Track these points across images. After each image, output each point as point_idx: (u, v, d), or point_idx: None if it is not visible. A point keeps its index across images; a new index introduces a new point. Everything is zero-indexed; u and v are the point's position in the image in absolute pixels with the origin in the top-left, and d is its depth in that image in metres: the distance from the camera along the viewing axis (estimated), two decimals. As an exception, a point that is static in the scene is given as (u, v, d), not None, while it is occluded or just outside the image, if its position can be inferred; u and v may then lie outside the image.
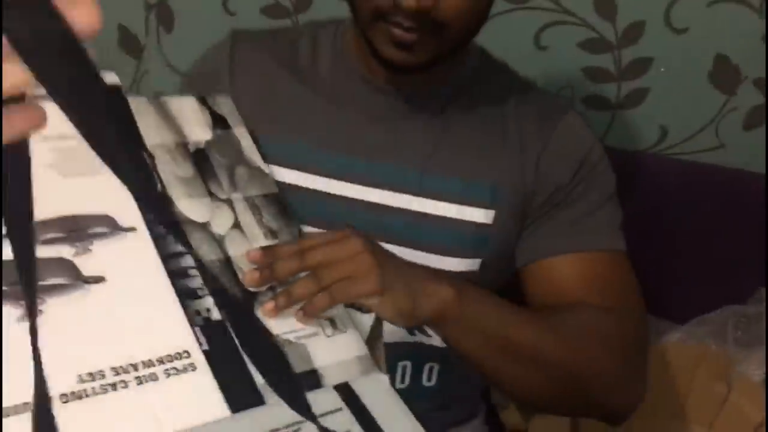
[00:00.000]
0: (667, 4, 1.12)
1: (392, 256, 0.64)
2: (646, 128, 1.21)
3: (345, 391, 0.57)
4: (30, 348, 0.35)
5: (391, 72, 0.74)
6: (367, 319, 0.63)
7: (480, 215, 0.76)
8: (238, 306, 0.57)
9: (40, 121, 0.30)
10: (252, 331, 0.56)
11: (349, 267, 0.59)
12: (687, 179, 1.19)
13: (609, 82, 1.19)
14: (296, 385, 0.54)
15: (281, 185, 0.72)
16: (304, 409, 0.53)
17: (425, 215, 0.76)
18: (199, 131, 0.68)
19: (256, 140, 0.72)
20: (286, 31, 0.89)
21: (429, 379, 0.81)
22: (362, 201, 0.77)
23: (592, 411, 0.78)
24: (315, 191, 0.77)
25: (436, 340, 0.78)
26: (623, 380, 0.73)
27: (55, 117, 0.29)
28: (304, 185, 0.77)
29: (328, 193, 0.77)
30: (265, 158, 0.71)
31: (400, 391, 0.60)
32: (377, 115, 0.78)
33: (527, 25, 1.16)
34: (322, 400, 0.54)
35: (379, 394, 0.57)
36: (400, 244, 0.74)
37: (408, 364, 0.80)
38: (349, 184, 0.77)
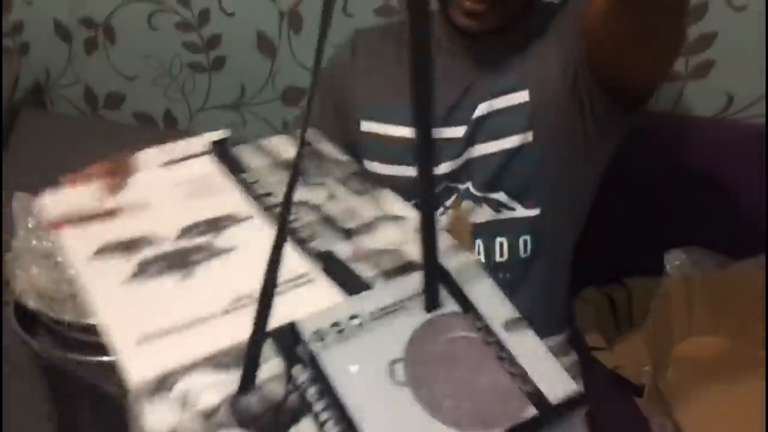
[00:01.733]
0: (727, -16, 1.28)
1: None
2: (713, 96, 1.36)
3: None
4: None
5: (465, 38, 0.97)
6: None
7: (518, 98, 1.00)
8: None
9: None
10: None
11: None
12: (753, 140, 1.33)
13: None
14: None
15: (397, 139, 0.97)
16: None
17: (483, 117, 1.01)
18: (291, 152, 0.87)
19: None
20: (394, 22, 1.13)
21: (525, 250, 1.03)
22: (448, 138, 1.02)
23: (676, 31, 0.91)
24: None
25: (521, 212, 1.00)
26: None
27: None
28: (407, 136, 1.02)
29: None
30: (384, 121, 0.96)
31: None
32: (455, 74, 1.02)
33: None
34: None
35: (467, 269, 0.66)
36: (472, 145, 1.01)
37: (504, 239, 1.01)
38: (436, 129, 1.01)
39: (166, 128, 1.79)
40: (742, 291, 1.12)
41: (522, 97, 1.00)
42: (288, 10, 1.55)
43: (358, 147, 1.09)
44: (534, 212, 1.04)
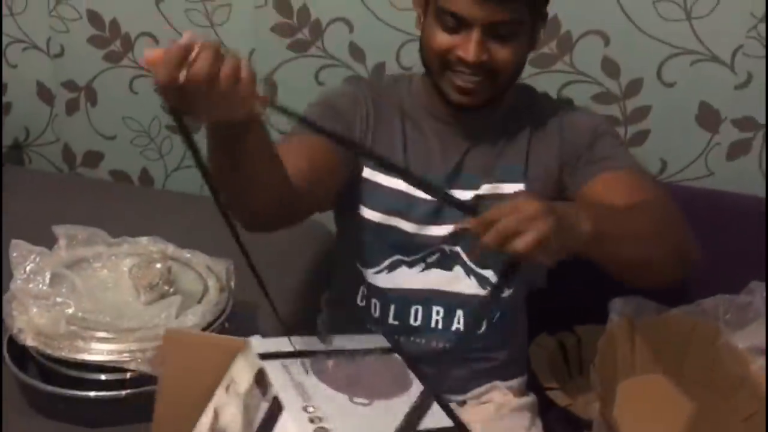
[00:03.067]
0: (658, 64, 1.45)
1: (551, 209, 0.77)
2: (649, 161, 1.52)
3: None
4: None
5: (455, 111, 1.06)
6: None
7: (514, 188, 1.08)
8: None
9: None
10: None
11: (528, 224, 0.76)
12: (685, 201, 1.48)
13: (617, 126, 1.51)
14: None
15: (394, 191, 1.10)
16: None
17: (481, 198, 1.09)
18: None
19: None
20: (401, 76, 1.18)
21: (493, 318, 1.13)
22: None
23: (681, 257, 0.99)
24: (409, 194, 1.09)
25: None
26: (687, 230, 1.00)
27: None
28: (402, 189, 1.09)
29: (418, 197, 1.09)
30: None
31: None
32: (452, 139, 1.10)
33: (551, 84, 1.50)
34: None
35: None
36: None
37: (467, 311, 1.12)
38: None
39: (141, 186, 1.87)
40: (678, 333, 1.24)
41: (518, 188, 1.09)
42: (263, 77, 1.67)
43: (356, 192, 1.11)
44: (508, 292, 1.15)
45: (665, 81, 1.46)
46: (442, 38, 0.99)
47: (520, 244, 0.74)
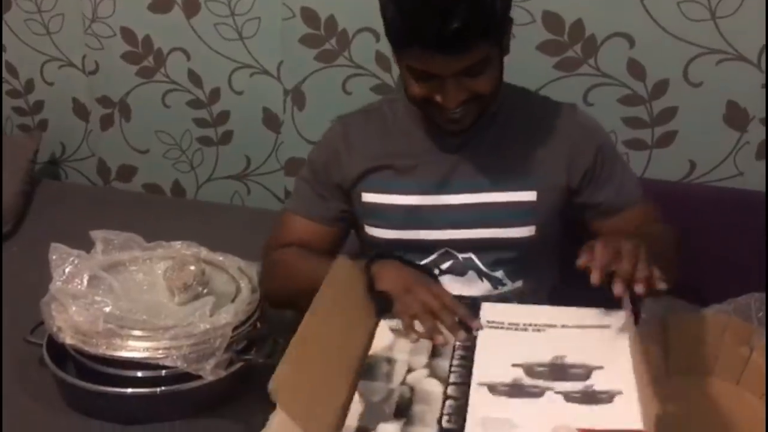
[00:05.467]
0: (684, 64, 1.45)
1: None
2: (678, 163, 1.52)
3: None
4: None
5: (447, 132, 1.10)
6: None
7: (527, 196, 1.12)
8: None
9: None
10: None
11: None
12: (715, 202, 1.48)
13: (644, 128, 1.52)
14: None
15: (395, 207, 1.15)
16: None
17: (489, 204, 1.12)
18: None
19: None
20: (373, 105, 1.24)
21: None
22: (446, 205, 1.13)
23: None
24: (411, 206, 1.14)
25: (509, 287, 1.15)
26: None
27: None
28: (404, 203, 1.14)
29: (421, 206, 1.14)
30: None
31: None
32: (444, 152, 1.14)
33: (577, 87, 1.51)
34: None
35: None
36: (477, 227, 1.12)
37: None
38: (433, 197, 1.13)
39: (174, 197, 1.91)
40: (710, 332, 1.23)
41: (530, 196, 1.13)
42: (292, 87, 1.70)
43: (359, 216, 1.20)
44: (518, 285, 1.16)
45: (692, 81, 1.46)
46: (418, 89, 1.03)
47: (639, 289, 0.88)
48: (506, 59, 1.07)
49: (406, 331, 0.95)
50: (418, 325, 0.95)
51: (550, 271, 1.24)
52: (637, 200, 1.18)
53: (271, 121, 1.76)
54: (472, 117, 1.06)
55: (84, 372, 1.08)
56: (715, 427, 1.12)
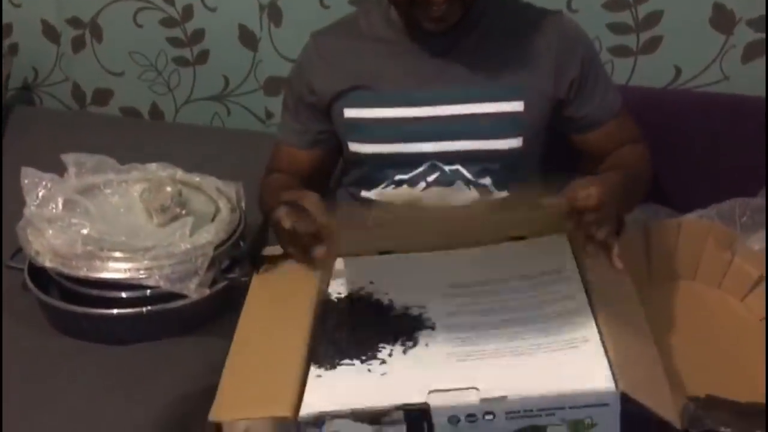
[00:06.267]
0: (670, -34, 1.41)
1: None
2: (663, 69, 1.49)
3: None
4: None
5: (425, 36, 1.07)
6: None
7: (514, 107, 1.09)
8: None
9: None
10: None
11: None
12: (701, 107, 1.46)
13: (629, 33, 1.48)
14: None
15: (378, 120, 1.10)
16: None
17: (476, 115, 1.09)
18: None
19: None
20: (347, 17, 1.21)
21: None
22: (432, 117, 1.10)
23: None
24: (395, 118, 1.11)
25: (496, 195, 1.14)
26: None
27: None
28: (389, 116, 1.11)
29: (406, 118, 1.11)
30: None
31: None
32: (427, 59, 1.11)
33: (560, -7, 1.47)
34: None
35: None
36: (464, 138, 1.09)
37: None
38: (419, 108, 1.11)
39: (152, 120, 1.88)
40: (693, 237, 1.23)
41: (517, 106, 1.10)
42: (268, 3, 1.65)
43: (341, 133, 1.17)
44: (503, 193, 1.15)
45: (678, -17, 1.42)
46: None
47: (601, 235, 0.86)
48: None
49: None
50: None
51: (534, 182, 1.24)
52: (618, 112, 1.17)
53: (248, 38, 1.71)
54: (456, 15, 1.03)
55: (68, 295, 1.08)
56: (698, 329, 1.14)
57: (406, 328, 0.84)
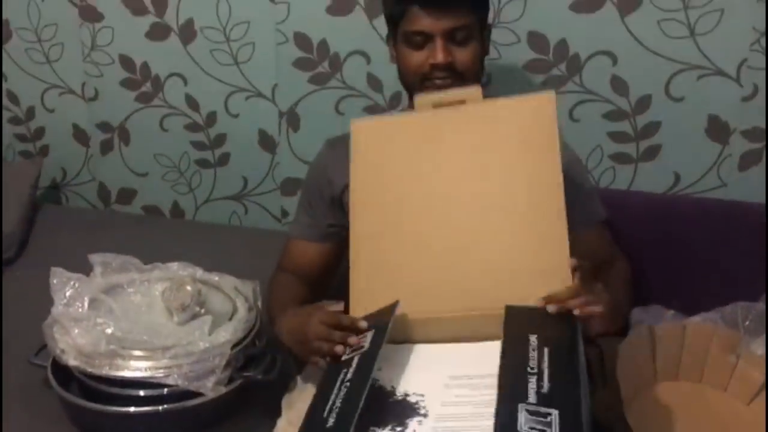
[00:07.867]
0: (666, 80, 1.49)
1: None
2: (662, 175, 1.56)
3: None
4: None
5: None
6: None
7: None
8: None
9: None
10: None
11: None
12: (699, 213, 1.51)
13: (629, 142, 1.56)
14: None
15: None
16: None
17: None
18: None
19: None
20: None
21: None
22: None
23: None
24: None
25: None
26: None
27: None
28: None
29: None
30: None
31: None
32: None
33: (563, 104, 1.54)
34: None
35: None
36: None
37: None
38: None
39: (173, 218, 1.95)
40: (698, 340, 1.26)
41: None
42: (286, 109, 1.75)
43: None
44: None
45: (673, 96, 1.50)
46: (414, 56, 1.21)
47: (597, 310, 0.97)
48: (494, 79, 1.12)
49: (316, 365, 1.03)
50: (321, 362, 1.00)
51: None
52: (598, 224, 1.30)
53: (267, 142, 1.80)
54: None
55: (88, 392, 1.11)
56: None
57: (399, 413, 0.88)
